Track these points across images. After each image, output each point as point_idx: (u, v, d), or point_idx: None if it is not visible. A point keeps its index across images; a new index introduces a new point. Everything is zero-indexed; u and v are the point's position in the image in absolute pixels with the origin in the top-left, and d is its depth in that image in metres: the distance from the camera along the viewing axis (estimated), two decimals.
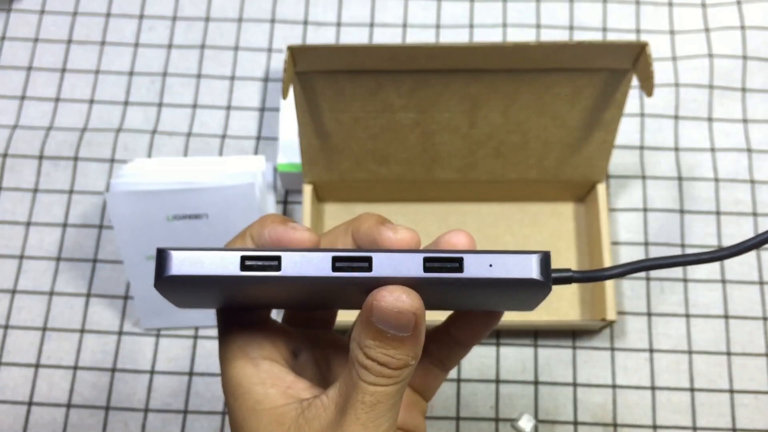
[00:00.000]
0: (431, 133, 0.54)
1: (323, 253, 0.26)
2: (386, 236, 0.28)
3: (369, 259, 0.26)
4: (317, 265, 0.26)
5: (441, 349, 0.34)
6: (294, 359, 0.32)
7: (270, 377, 0.30)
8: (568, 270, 0.28)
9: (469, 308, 0.32)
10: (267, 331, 0.31)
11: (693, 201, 0.62)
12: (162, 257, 0.26)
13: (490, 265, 0.26)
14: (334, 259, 0.26)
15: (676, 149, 0.64)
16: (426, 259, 0.26)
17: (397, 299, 0.26)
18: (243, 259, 0.26)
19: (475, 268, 0.26)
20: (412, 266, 0.26)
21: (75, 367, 0.59)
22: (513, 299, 0.29)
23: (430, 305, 0.29)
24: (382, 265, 0.26)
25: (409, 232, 0.28)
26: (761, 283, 0.60)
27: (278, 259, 0.26)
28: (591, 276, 0.28)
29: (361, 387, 0.27)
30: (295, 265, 0.26)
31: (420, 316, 0.27)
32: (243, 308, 0.32)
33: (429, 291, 0.27)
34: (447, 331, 0.34)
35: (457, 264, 0.26)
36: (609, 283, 0.56)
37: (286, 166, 0.60)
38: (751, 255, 0.61)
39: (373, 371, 0.27)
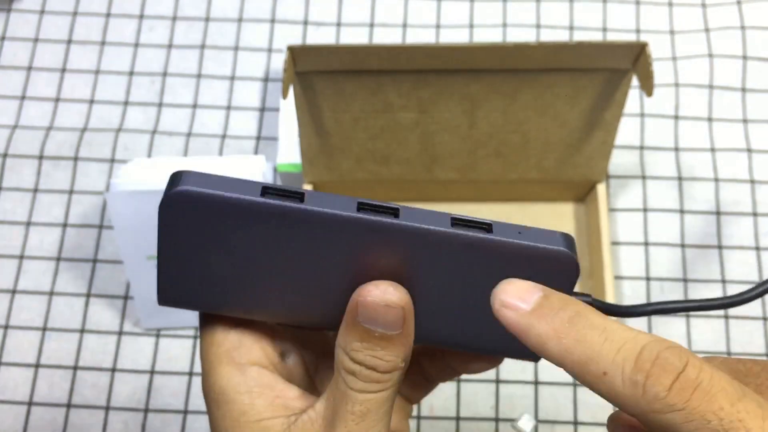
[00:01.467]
0: (431, 133, 0.54)
1: (347, 197, 0.25)
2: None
3: (396, 210, 0.25)
4: (341, 204, 0.25)
5: (433, 367, 0.33)
6: (282, 362, 0.30)
7: (257, 385, 0.28)
8: (589, 295, 0.27)
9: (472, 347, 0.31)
10: (253, 330, 0.29)
11: (693, 201, 0.62)
12: (175, 176, 0.25)
13: (519, 233, 0.26)
14: (360, 204, 0.25)
15: (676, 149, 0.64)
16: (454, 219, 0.26)
17: (385, 292, 0.25)
18: (264, 189, 0.25)
19: (503, 232, 0.26)
20: (440, 221, 0.26)
21: (75, 367, 0.59)
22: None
23: (431, 334, 0.28)
24: (409, 215, 0.25)
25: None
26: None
27: (301, 195, 0.25)
28: (611, 309, 0.27)
29: (350, 396, 0.26)
30: (318, 200, 0.25)
31: (408, 311, 0.26)
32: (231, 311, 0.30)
33: (441, 283, 0.26)
34: (442, 356, 0.32)
35: (486, 227, 0.26)
36: (609, 282, 0.56)
37: (286, 166, 0.60)
38: (752, 254, 0.61)
39: (361, 377, 0.26)
